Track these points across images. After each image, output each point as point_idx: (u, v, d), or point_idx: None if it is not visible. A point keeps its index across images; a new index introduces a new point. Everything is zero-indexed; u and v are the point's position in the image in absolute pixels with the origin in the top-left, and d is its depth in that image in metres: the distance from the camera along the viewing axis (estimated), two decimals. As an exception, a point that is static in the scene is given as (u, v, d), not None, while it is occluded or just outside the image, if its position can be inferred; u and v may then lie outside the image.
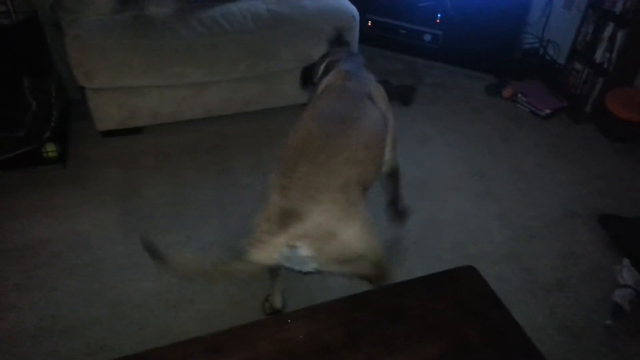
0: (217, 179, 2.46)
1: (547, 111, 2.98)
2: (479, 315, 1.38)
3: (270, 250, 1.32)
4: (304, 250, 1.36)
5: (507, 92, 3.12)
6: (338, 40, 2.23)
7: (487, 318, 1.37)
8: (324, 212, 1.33)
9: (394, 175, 2.05)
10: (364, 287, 1.96)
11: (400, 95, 3.02)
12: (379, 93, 1.79)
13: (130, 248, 2.12)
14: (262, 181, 2.36)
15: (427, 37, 3.33)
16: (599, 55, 2.86)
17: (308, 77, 2.08)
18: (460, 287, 1.45)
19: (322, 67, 1.97)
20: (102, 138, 2.63)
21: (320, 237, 1.35)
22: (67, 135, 2.62)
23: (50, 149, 2.45)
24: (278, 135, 2.19)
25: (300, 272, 1.46)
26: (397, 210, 2.18)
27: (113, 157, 2.56)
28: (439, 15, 3.27)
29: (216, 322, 1.86)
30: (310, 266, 1.42)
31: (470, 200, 2.42)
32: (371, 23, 3.45)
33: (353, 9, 2.74)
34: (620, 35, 2.72)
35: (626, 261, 2.06)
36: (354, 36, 2.75)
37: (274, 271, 1.77)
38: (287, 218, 1.31)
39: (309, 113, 1.59)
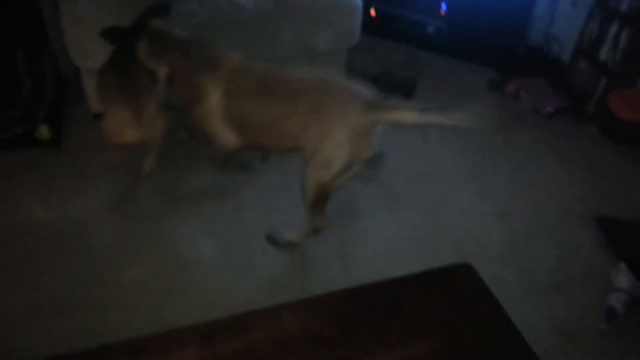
0: (213, 165, 2.43)
1: (550, 110, 2.95)
2: (474, 314, 1.36)
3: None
4: None
5: (509, 88, 3.08)
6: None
7: (483, 316, 1.35)
8: None
9: None
10: (358, 281, 1.96)
11: (402, 88, 2.98)
12: None
13: (123, 233, 2.09)
14: (257, 170, 2.36)
15: (431, 29, 3.28)
16: (603, 54, 2.83)
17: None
18: (456, 285, 1.43)
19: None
20: (97, 121, 2.58)
21: None
22: (62, 117, 2.57)
23: (44, 131, 2.41)
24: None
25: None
26: None
27: (108, 141, 2.52)
28: (443, 6, 3.23)
29: (207, 311, 1.83)
30: None
31: (470, 198, 2.40)
32: (374, 12, 3.40)
33: (357, -3, 2.70)
34: (624, 34, 2.69)
35: (622, 265, 2.04)
36: (357, 25, 2.71)
37: None
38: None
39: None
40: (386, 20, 3.41)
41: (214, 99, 1.85)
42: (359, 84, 1.81)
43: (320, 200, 1.89)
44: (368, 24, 2.97)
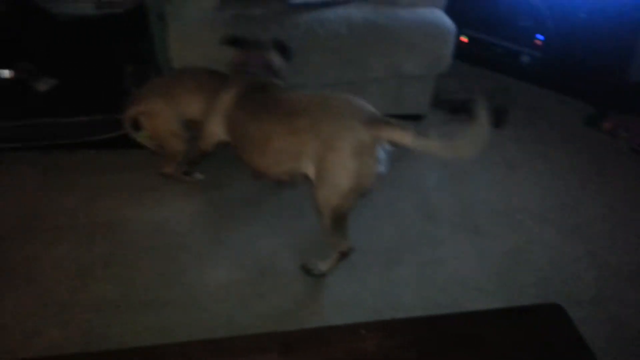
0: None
1: (650, 150, 2.77)
2: (563, 358, 1.30)
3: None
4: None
5: (607, 124, 2.93)
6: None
7: (572, 361, 1.29)
8: None
9: None
10: (433, 308, 1.93)
11: (491, 117, 2.91)
12: None
13: (208, 237, 2.19)
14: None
15: (525, 58, 3.20)
16: None
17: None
18: (544, 325, 1.37)
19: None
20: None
21: None
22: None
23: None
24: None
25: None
26: None
27: (200, 148, 2.65)
28: (539, 36, 3.14)
29: (282, 322, 1.88)
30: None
31: (558, 234, 2.29)
32: (466, 39, 3.37)
33: (450, 23, 2.68)
34: None
35: None
36: (449, 51, 2.69)
37: None
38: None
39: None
40: (477, 47, 3.37)
41: (226, 99, 2.02)
42: (360, 100, 1.81)
43: (336, 222, 1.86)
44: (458, 50, 2.94)
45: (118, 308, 1.89)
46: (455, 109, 2.99)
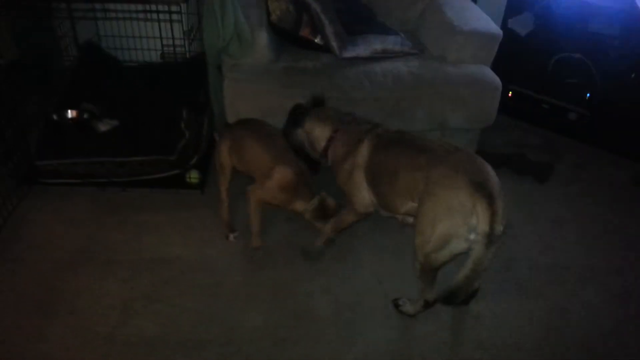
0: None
1: None
2: None
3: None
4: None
5: (658, 184, 2.84)
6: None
7: None
8: None
9: None
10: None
11: (536, 172, 2.89)
12: None
13: (248, 278, 2.23)
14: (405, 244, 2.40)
15: (572, 115, 3.17)
16: None
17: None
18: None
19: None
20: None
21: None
22: (209, 166, 2.85)
23: (194, 176, 2.69)
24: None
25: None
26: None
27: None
28: (587, 94, 3.12)
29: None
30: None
31: (604, 297, 2.21)
32: (512, 93, 3.38)
33: (496, 78, 2.71)
34: None
35: None
36: (494, 106, 2.72)
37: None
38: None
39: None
40: (523, 102, 3.38)
41: (364, 151, 2.06)
42: (486, 165, 1.79)
43: (424, 270, 1.85)
44: (505, 105, 2.96)
45: (156, 346, 1.93)
46: (498, 162, 2.97)
